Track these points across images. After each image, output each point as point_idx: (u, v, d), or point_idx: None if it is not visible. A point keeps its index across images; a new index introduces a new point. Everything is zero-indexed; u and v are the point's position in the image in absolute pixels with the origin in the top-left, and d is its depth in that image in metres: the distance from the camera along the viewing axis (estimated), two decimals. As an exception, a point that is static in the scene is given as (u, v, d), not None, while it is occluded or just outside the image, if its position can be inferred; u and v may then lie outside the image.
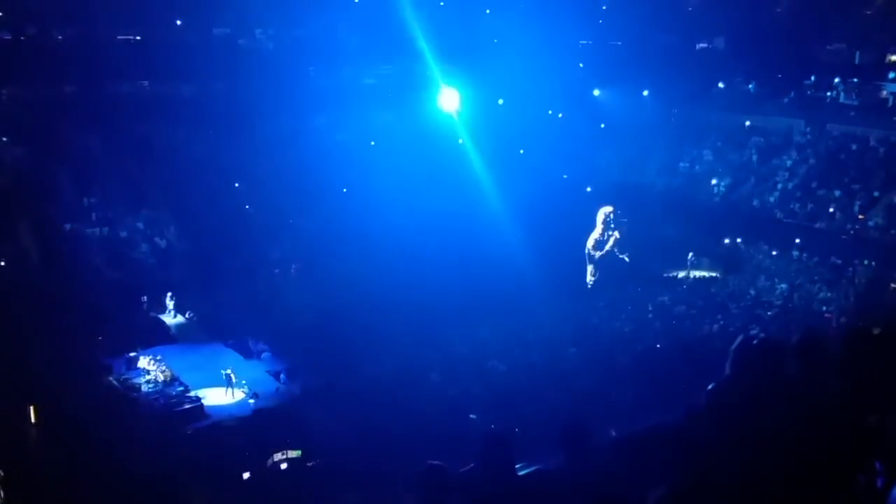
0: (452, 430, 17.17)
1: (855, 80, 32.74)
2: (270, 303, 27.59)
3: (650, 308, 27.09)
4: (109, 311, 24.29)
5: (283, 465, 18.20)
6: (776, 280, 29.83)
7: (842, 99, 33.47)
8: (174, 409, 21.28)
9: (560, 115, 38.24)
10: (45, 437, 18.95)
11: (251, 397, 21.92)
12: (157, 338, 25.65)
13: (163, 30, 32.58)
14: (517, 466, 4.70)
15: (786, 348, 4.64)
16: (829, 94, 33.88)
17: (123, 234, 29.61)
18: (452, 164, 33.58)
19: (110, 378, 22.67)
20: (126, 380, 22.72)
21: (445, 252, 28.06)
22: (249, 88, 31.95)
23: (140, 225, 30.12)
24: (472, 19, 36.10)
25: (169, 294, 27.75)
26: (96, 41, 30.81)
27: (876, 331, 4.79)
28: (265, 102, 31.60)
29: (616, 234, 31.55)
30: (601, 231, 31.88)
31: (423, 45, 31.99)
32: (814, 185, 32.23)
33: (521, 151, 36.08)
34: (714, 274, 32.13)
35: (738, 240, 33.05)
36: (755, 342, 4.63)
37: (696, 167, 36.45)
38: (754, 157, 35.23)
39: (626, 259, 31.34)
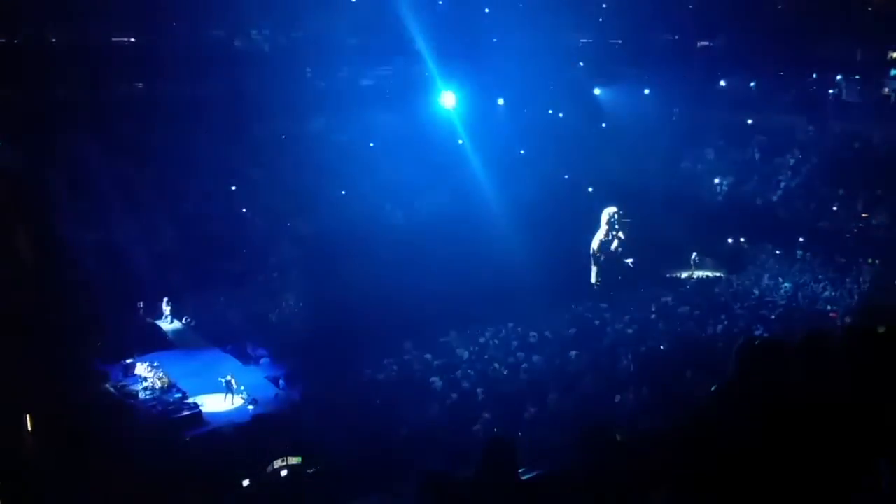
0: (454, 436, 16.95)
1: (857, 77, 32.62)
2: (269, 307, 27.43)
3: (653, 309, 26.89)
4: (105, 316, 24.06)
5: (284, 472, 17.94)
6: (780, 279, 29.64)
7: (844, 96, 33.37)
8: (172, 416, 21.00)
9: (560, 115, 38.09)
10: (41, 444, 18.73)
11: (250, 403, 21.70)
12: (154, 344, 25.40)
13: (157, 32, 32.34)
14: (520, 471, 4.67)
15: (790, 349, 4.61)
16: (831, 91, 33.78)
17: (119, 238, 29.35)
18: (452, 166, 33.42)
19: (107, 385, 22.44)
20: (123, 387, 22.47)
21: (446, 256, 27.83)
22: (245, 90, 31.69)
23: (136, 229, 29.85)
24: (471, 19, 35.91)
25: (165, 299, 27.55)
26: (90, 43, 30.63)
27: (881, 330, 4.85)
28: (261, 104, 31.31)
29: (620, 234, 31.40)
30: (605, 232, 31.75)
31: (422, 45, 31.80)
32: (817, 183, 32.09)
33: (522, 152, 35.91)
34: (718, 274, 32.03)
35: (742, 239, 32.94)
36: (758, 343, 4.59)
37: (699, 166, 36.32)
38: (757, 156, 35.11)
39: (630, 263, 31.23)
